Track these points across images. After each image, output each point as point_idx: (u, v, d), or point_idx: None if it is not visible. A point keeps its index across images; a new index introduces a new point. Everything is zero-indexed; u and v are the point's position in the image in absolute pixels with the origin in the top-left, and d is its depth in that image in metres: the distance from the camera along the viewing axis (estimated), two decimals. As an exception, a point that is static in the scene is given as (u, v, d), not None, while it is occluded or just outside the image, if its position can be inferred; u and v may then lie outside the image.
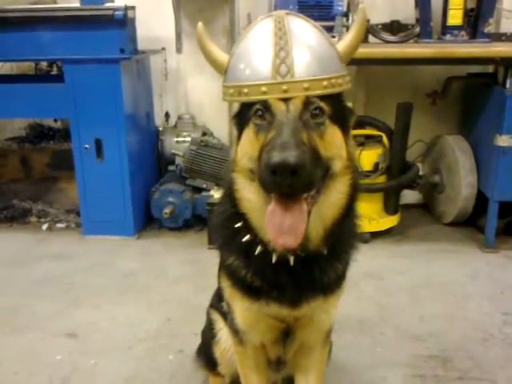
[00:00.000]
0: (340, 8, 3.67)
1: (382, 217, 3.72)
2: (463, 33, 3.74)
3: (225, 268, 1.61)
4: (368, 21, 3.88)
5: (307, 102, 1.25)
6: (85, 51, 3.54)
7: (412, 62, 3.50)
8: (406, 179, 3.67)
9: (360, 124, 3.88)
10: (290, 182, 1.14)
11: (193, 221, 4.01)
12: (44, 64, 4.32)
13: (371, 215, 3.66)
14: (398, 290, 3.10)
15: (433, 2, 3.82)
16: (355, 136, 3.65)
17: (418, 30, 3.80)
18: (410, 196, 4.32)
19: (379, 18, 4.03)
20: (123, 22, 3.53)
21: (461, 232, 3.88)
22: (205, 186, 3.95)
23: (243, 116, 1.35)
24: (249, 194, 1.40)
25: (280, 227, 1.23)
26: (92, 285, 3.24)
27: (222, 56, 1.39)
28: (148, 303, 3.02)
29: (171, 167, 4.24)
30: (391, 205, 3.74)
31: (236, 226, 1.46)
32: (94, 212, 3.86)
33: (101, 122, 3.65)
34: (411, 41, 3.91)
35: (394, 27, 3.88)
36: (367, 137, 3.73)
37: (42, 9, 3.67)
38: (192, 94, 4.40)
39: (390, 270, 3.32)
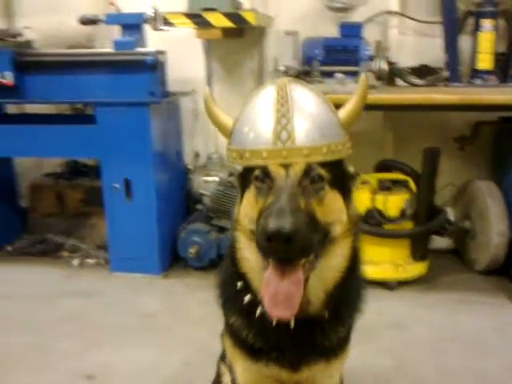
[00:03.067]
0: (367, 52, 3.69)
1: (408, 263, 3.63)
2: (493, 77, 3.69)
3: (227, 327, 1.62)
4: (394, 64, 3.89)
5: (307, 169, 1.27)
6: (116, 94, 3.66)
7: (438, 108, 3.45)
8: (433, 225, 3.58)
9: (387, 168, 3.84)
10: (285, 248, 1.16)
11: (218, 261, 4.03)
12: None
13: (397, 262, 3.59)
14: (419, 342, 3.01)
15: (462, 46, 3.81)
16: (382, 181, 3.65)
17: (446, 73, 3.77)
18: (441, 241, 4.20)
19: (408, 60, 4.03)
20: (153, 67, 3.65)
21: (492, 281, 3.73)
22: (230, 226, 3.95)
23: (246, 177, 1.37)
24: (249, 254, 1.41)
25: (275, 297, 1.24)
26: (114, 324, 3.28)
27: (227, 120, 1.44)
28: (167, 346, 3.03)
29: (199, 206, 4.29)
30: (419, 251, 3.65)
31: (237, 285, 1.47)
32: (123, 249, 3.94)
33: (130, 162, 3.75)
34: (441, 84, 3.88)
35: (423, 71, 3.86)
36: (394, 181, 3.68)
37: (77, 53, 3.85)
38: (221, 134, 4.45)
39: (412, 321, 3.23)
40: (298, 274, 1.24)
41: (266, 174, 1.29)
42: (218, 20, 3.44)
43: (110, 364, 2.86)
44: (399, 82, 3.97)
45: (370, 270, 3.55)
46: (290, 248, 1.16)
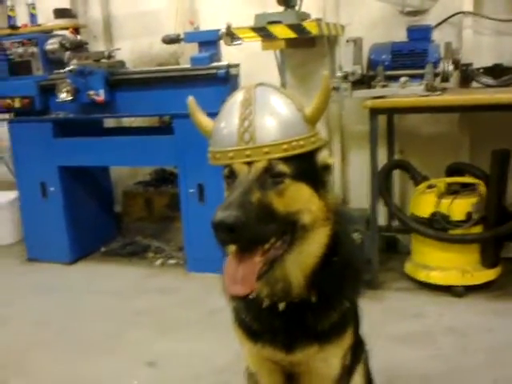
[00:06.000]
0: (436, 55, 3.62)
1: (477, 270, 3.48)
2: None
3: (232, 309, 1.75)
4: (468, 65, 3.79)
5: (268, 165, 1.38)
6: (191, 106, 3.93)
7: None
8: (503, 230, 3.42)
9: (459, 172, 3.73)
10: (230, 238, 1.29)
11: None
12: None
13: (465, 268, 3.47)
14: (479, 350, 2.89)
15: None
16: (450, 184, 3.56)
17: (522, 72, 3.60)
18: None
19: (485, 61, 3.89)
20: (225, 79, 3.89)
21: None
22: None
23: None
24: None
25: (232, 277, 1.37)
26: (181, 318, 3.52)
27: (209, 123, 1.58)
28: (225, 339, 3.12)
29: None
30: (489, 257, 3.49)
31: None
32: (197, 251, 4.19)
33: (203, 169, 3.97)
34: (519, 83, 3.70)
35: (497, 71, 3.71)
36: (464, 185, 3.57)
37: (159, 70, 4.21)
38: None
39: (475, 328, 3.10)
40: (254, 259, 1.36)
41: (232, 172, 1.42)
42: (282, 32, 3.59)
43: (171, 353, 3.09)
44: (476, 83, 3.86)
45: (434, 276, 3.52)
46: (234, 237, 1.28)
